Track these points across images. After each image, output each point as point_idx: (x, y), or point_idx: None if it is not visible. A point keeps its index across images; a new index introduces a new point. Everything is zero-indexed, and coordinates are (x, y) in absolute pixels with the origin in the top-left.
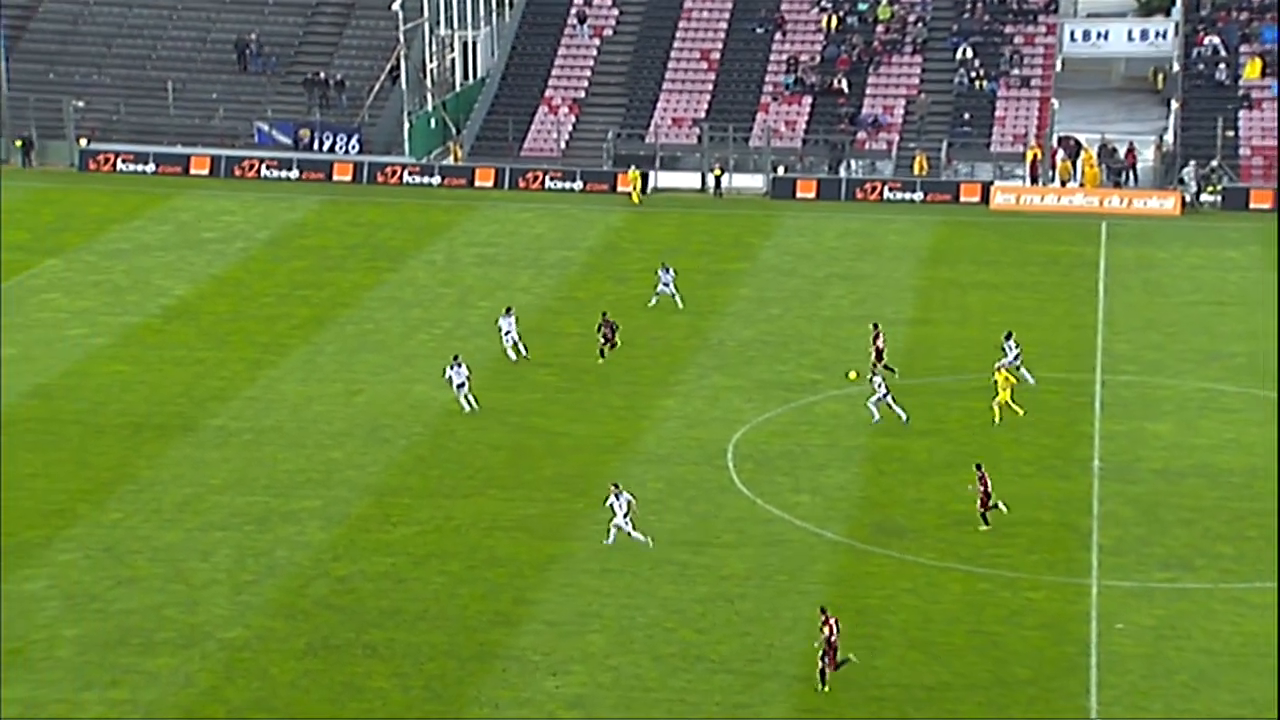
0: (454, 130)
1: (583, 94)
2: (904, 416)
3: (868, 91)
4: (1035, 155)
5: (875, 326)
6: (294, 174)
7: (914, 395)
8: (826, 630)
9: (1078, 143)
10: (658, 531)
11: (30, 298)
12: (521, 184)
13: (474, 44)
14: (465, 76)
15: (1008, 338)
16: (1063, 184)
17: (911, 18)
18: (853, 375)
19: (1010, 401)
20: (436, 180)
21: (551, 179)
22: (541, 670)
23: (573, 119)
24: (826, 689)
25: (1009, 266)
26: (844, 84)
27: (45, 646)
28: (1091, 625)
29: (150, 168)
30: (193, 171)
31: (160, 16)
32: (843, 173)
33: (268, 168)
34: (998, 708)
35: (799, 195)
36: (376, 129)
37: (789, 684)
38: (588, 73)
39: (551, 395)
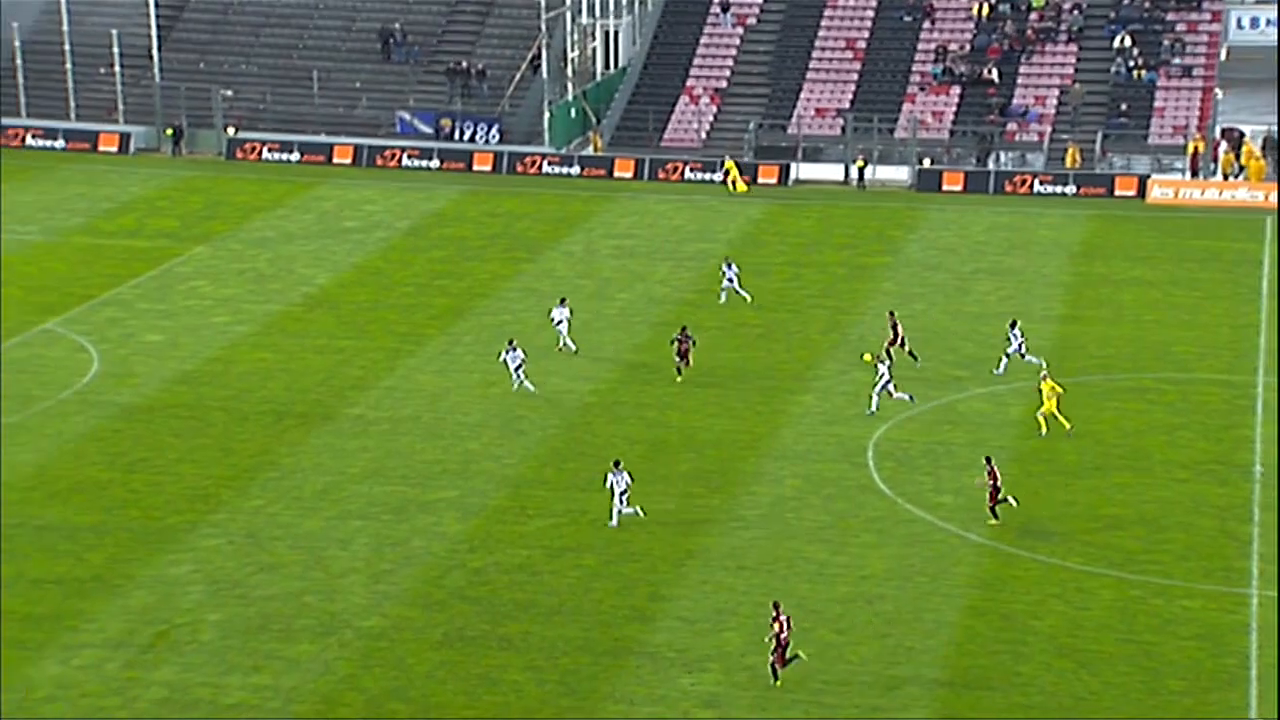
0: (594, 120)
1: (724, 84)
2: (909, 398)
3: (1019, 81)
4: (1197, 148)
5: (892, 314)
6: (434, 164)
7: (1065, 396)
8: (776, 626)
9: (1241, 134)
10: (795, 529)
11: (178, 285)
12: (661, 175)
13: (616, 33)
14: (606, 66)
15: (1012, 326)
16: (1225, 177)
17: (1067, 5)
18: (867, 358)
19: (1056, 412)
20: (576, 171)
21: (691, 170)
22: (676, 667)
23: (714, 109)
24: (779, 683)
25: (1165, 263)
26: (994, 73)
27: (190, 630)
28: (1251, 637)
29: (295, 156)
30: (336, 160)
31: (307, 6)
32: (991, 165)
33: (409, 157)
34: None
35: (945, 188)
36: (517, 119)
37: (930, 688)
38: (730, 62)
39: (688, 390)
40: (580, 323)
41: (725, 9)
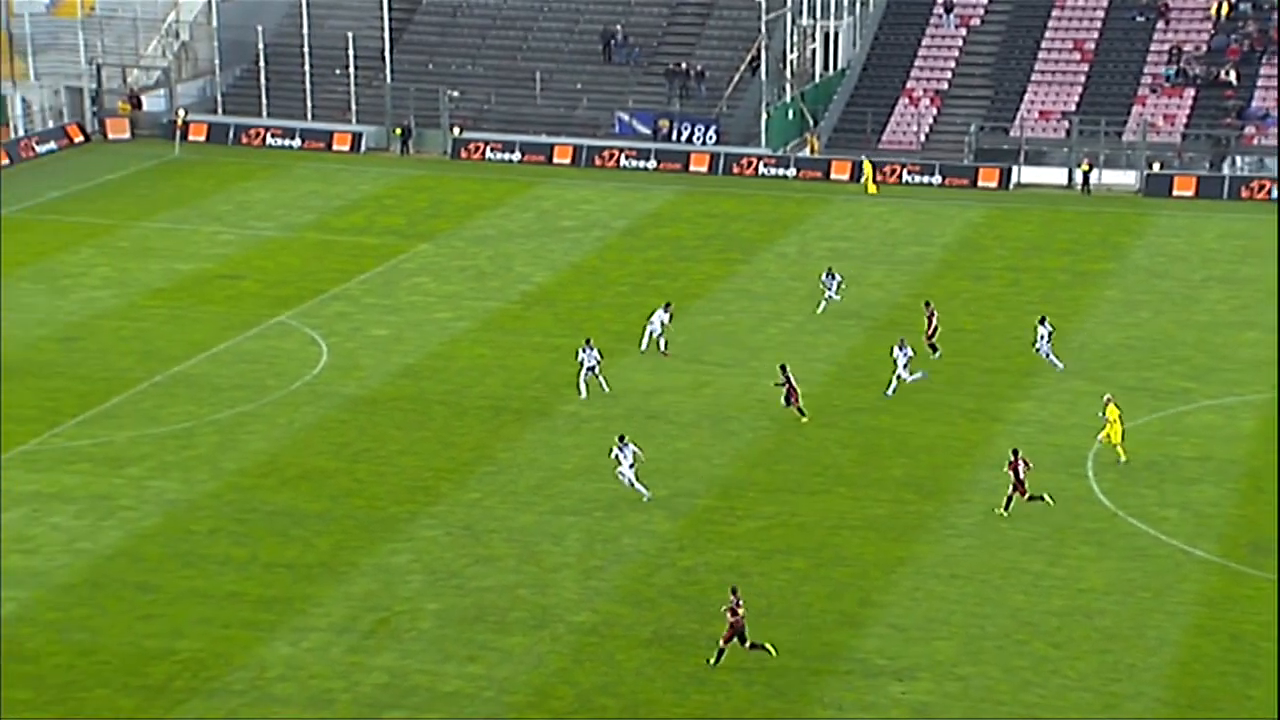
0: (811, 122)
1: (945, 85)
2: (923, 375)
3: (1259, 83)
4: None
5: (928, 304)
6: (651, 164)
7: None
8: (731, 615)
9: None
10: (1010, 539)
11: (402, 281)
12: (879, 178)
13: (835, 34)
14: (825, 67)
15: (1042, 322)
16: None
17: None
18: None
19: (1117, 441)
20: (792, 172)
21: (909, 172)
22: (886, 675)
23: (934, 111)
24: (715, 663)
25: None
26: (1232, 75)
27: (409, 618)
28: None
29: (516, 156)
30: (556, 160)
31: (532, 9)
32: (1226, 170)
33: (627, 157)
34: None
35: (1175, 193)
36: (734, 120)
37: (1152, 706)
38: (952, 63)
39: (902, 394)
40: (793, 325)
41: (949, 10)
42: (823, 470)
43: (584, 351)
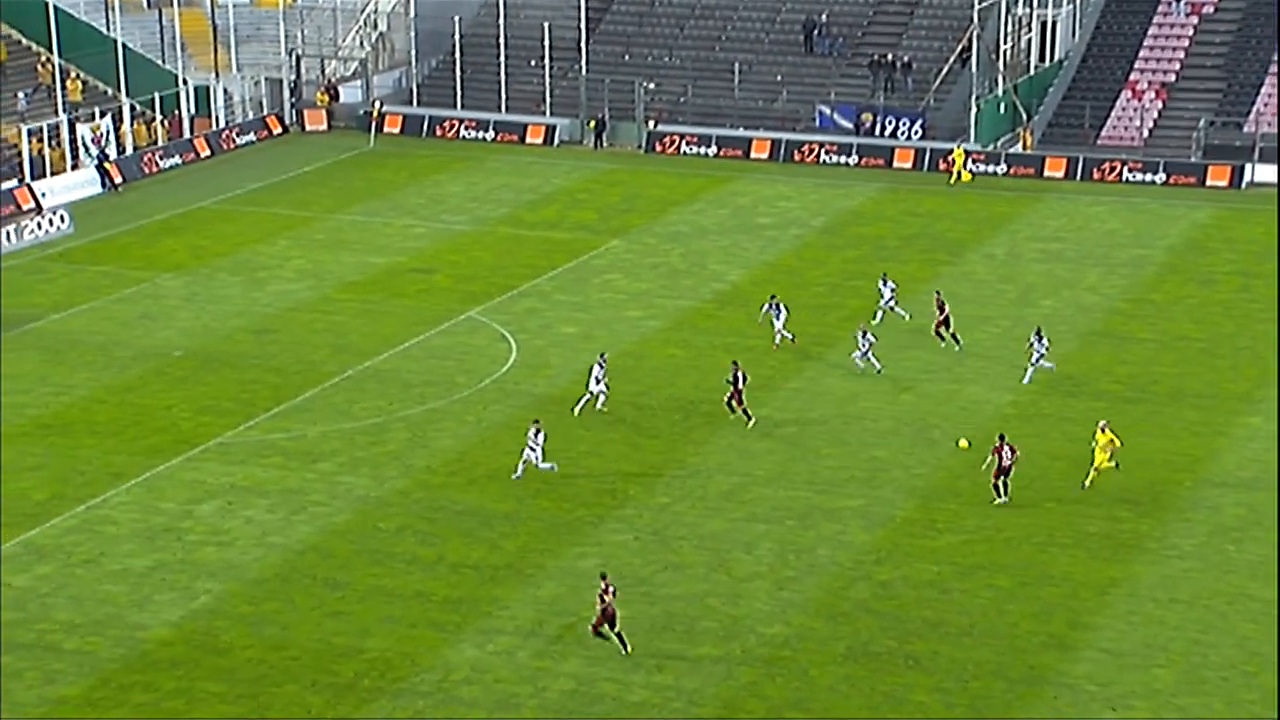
0: (1025, 116)
1: (1173, 78)
2: (878, 369)
3: None
4: None
5: (938, 294)
6: (853, 159)
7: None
8: (600, 601)
9: None
10: (1236, 563)
11: (593, 277)
12: (1096, 175)
13: (1053, 23)
14: (1041, 58)
15: (1037, 334)
16: None
17: None
18: (964, 444)
19: (1105, 463)
20: (1002, 169)
21: (1130, 170)
22: (1098, 702)
23: (1159, 105)
24: (626, 651)
25: None
26: None
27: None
28: None
29: (712, 150)
30: (753, 155)
31: None
32: None
33: (827, 152)
34: None
35: None
36: (942, 114)
37: None
38: (1180, 54)
39: (1117, 405)
40: (1000, 330)
41: None
42: (1030, 483)
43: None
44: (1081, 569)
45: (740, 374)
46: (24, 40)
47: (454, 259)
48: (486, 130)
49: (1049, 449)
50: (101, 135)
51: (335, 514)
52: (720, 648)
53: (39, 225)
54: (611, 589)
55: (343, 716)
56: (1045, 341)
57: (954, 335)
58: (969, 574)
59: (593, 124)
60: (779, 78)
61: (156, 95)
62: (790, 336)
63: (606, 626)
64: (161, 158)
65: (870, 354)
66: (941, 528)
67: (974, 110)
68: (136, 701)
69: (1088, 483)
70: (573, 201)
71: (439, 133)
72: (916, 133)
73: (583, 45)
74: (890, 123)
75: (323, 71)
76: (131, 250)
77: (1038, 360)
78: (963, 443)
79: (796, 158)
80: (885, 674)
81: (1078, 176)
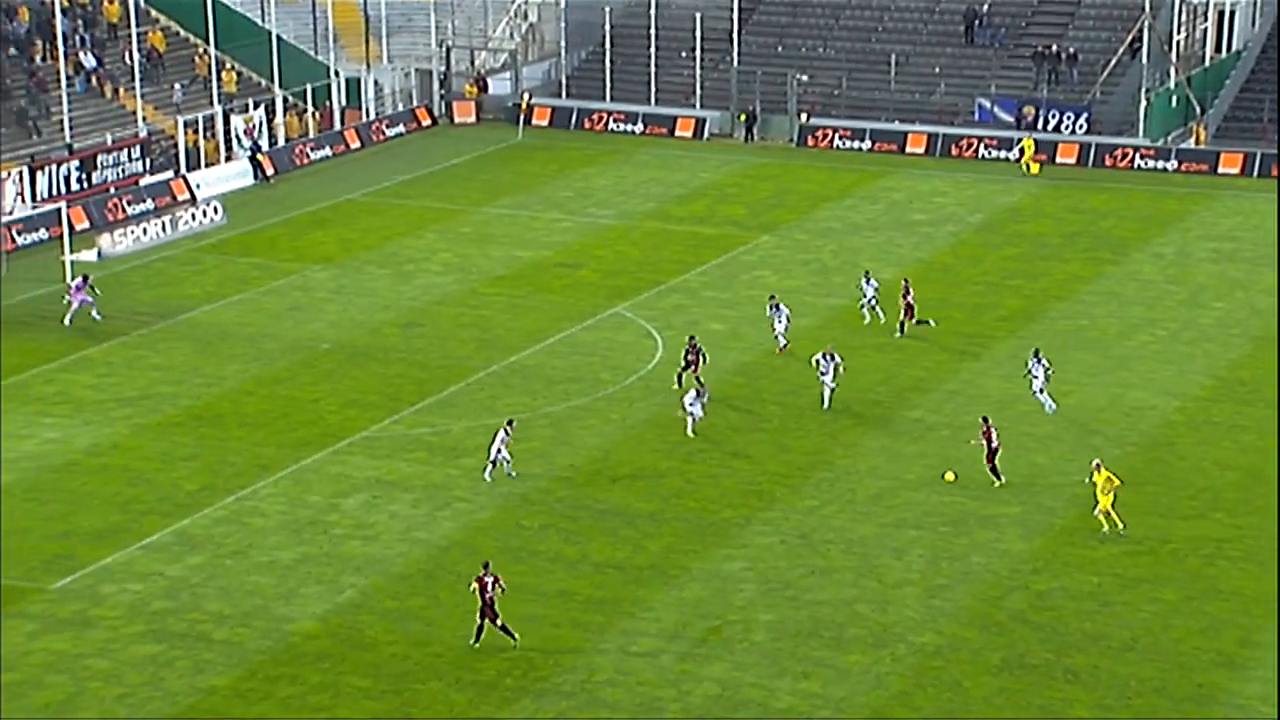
0: (1198, 110)
1: None
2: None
3: None
4: None
5: (905, 282)
6: (1013, 154)
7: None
8: (482, 592)
9: None
10: None
11: (742, 274)
12: (1275, 171)
13: (1231, 12)
14: (1217, 49)
15: (1035, 355)
16: None
17: None
18: (949, 477)
19: (1111, 510)
20: (1172, 165)
21: None
22: None
23: None
24: (477, 644)
25: None
26: None
27: (742, 629)
28: None
29: (866, 145)
30: (909, 150)
31: None
32: None
33: (986, 147)
34: None
35: None
36: (1108, 107)
37: None
38: None
39: None
40: (1167, 333)
41: None
42: (1198, 493)
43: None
44: (1253, 584)
45: (699, 350)
46: (182, 32)
47: (600, 254)
48: (635, 123)
49: (1219, 458)
50: (254, 127)
51: (479, 510)
52: (869, 655)
53: (193, 216)
54: (492, 579)
55: (486, 715)
56: (1045, 363)
57: (918, 321)
58: (1132, 586)
59: (743, 117)
60: (937, 70)
61: (309, 87)
62: (785, 344)
63: (487, 620)
64: (312, 149)
65: (835, 375)
66: (1105, 537)
67: (1143, 104)
68: (283, 694)
69: (1106, 528)
70: (722, 196)
71: (587, 125)
72: (1081, 127)
73: (735, 36)
74: (1054, 116)
75: (472, 63)
76: (281, 242)
77: (1040, 389)
78: (949, 475)
79: (954, 152)
80: (1042, 687)
81: (1254, 173)
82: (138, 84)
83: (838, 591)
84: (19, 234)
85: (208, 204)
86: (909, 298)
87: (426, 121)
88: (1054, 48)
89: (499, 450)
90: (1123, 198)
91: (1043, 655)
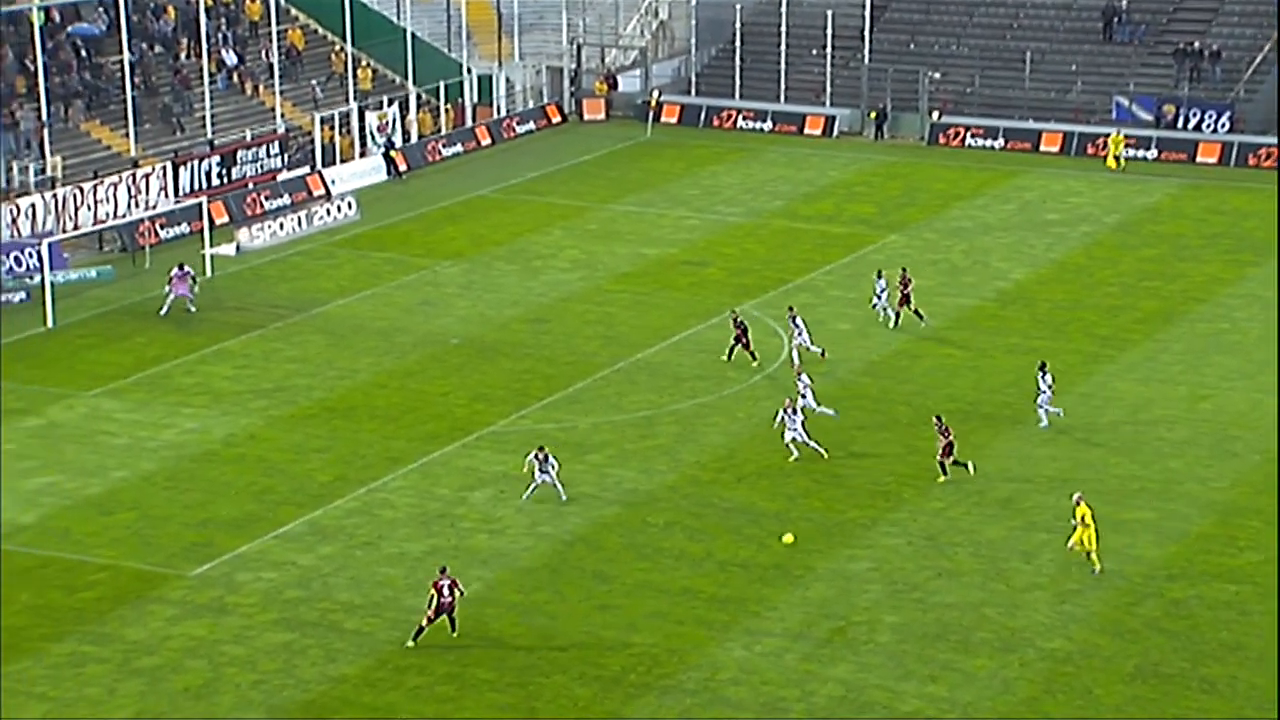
0: None
1: None
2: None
3: None
4: None
5: (904, 271)
6: (1152, 154)
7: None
8: (440, 595)
9: None
10: None
11: (870, 273)
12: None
13: None
14: None
15: (1042, 370)
16: None
17: None
18: (788, 539)
19: (1085, 542)
20: None
21: None
22: None
23: None
24: (413, 644)
25: None
26: None
27: (866, 630)
28: None
29: (999, 143)
30: (1043, 148)
31: None
32: None
33: (1125, 147)
34: None
35: None
36: (1252, 106)
37: None
38: None
39: None
40: None
41: None
42: None
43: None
44: None
45: (744, 325)
46: (320, 30)
47: (727, 251)
48: (764, 121)
49: None
50: (387, 124)
51: (604, 506)
52: (997, 660)
53: (327, 211)
54: (449, 583)
55: (610, 711)
56: (1049, 379)
57: (916, 312)
58: (1271, 595)
59: (873, 115)
60: (1074, 67)
61: (441, 84)
62: (794, 358)
63: (438, 619)
64: (444, 146)
65: (809, 396)
66: (1242, 545)
67: None
68: (411, 684)
69: (1098, 568)
70: (850, 194)
71: (716, 123)
72: (1224, 125)
73: (866, 33)
74: (1194, 115)
75: (603, 60)
76: (413, 237)
77: (1044, 403)
78: (787, 538)
79: (1090, 151)
80: (1178, 697)
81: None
82: (277, 81)
83: (965, 594)
84: (161, 228)
85: (342, 199)
86: (908, 288)
87: (556, 118)
88: (1196, 44)
89: (544, 476)
90: (1267, 199)
91: (1178, 664)
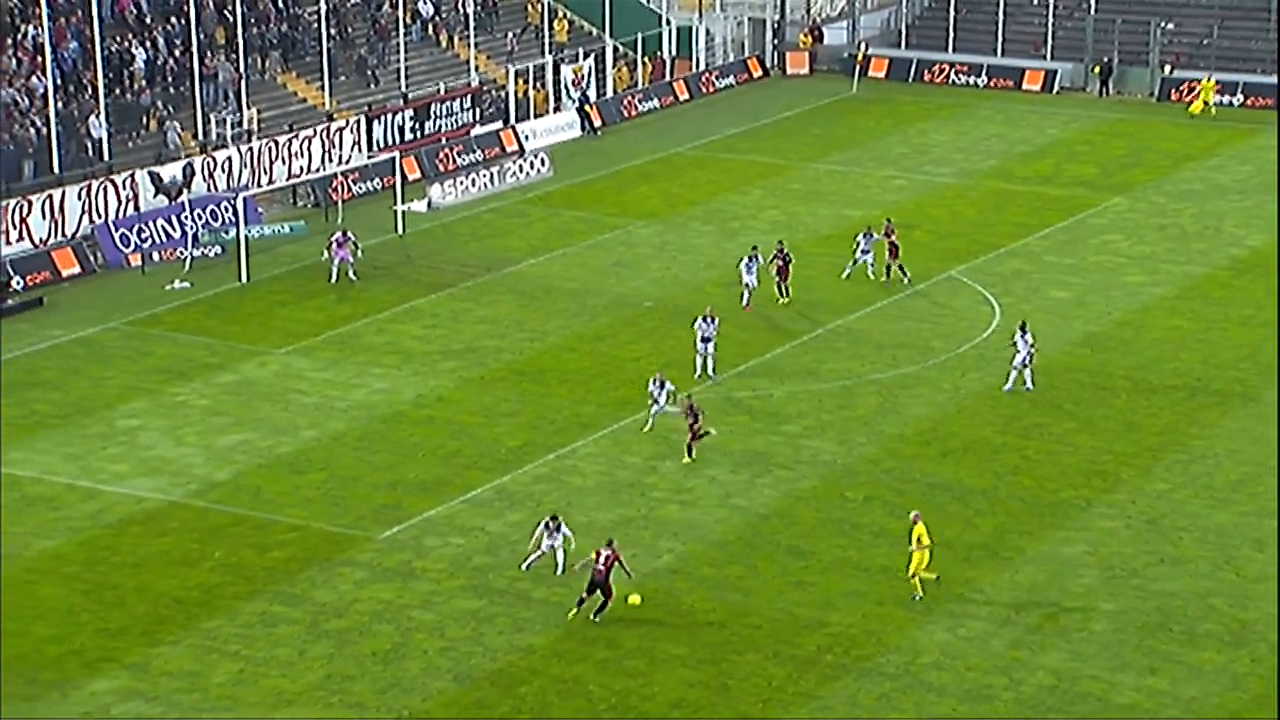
0: None
1: None
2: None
3: None
4: None
5: (888, 221)
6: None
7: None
8: (597, 557)
9: None
10: None
11: (1090, 238)
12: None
13: None
14: None
15: (1022, 330)
16: None
17: None
18: (634, 600)
19: (921, 571)
20: None
21: None
22: None
23: None
24: (575, 613)
25: None
26: None
27: (1080, 617)
28: None
29: (1238, 99)
30: None
31: None
32: None
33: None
34: None
35: None
36: None
37: None
38: None
39: None
40: None
41: None
42: None
43: (1019, 337)
44: None
45: (786, 254)
46: None
47: (935, 214)
48: (979, 75)
49: None
50: (583, 77)
51: (800, 479)
52: (1225, 654)
53: (519, 168)
54: (607, 554)
55: (805, 692)
56: (1030, 338)
57: (900, 268)
58: None
59: (1098, 69)
60: None
61: (639, 36)
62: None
63: (592, 593)
64: (640, 101)
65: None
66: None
67: None
68: (600, 657)
69: (920, 593)
70: (1070, 154)
71: (927, 77)
72: None
73: None
74: None
75: (808, 11)
76: (607, 196)
77: (1023, 363)
78: (633, 599)
79: None
80: None
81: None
82: (471, 32)
83: (1190, 583)
84: (354, 183)
85: (535, 156)
86: (892, 236)
87: (758, 73)
88: None
89: (549, 544)
90: None
91: None
